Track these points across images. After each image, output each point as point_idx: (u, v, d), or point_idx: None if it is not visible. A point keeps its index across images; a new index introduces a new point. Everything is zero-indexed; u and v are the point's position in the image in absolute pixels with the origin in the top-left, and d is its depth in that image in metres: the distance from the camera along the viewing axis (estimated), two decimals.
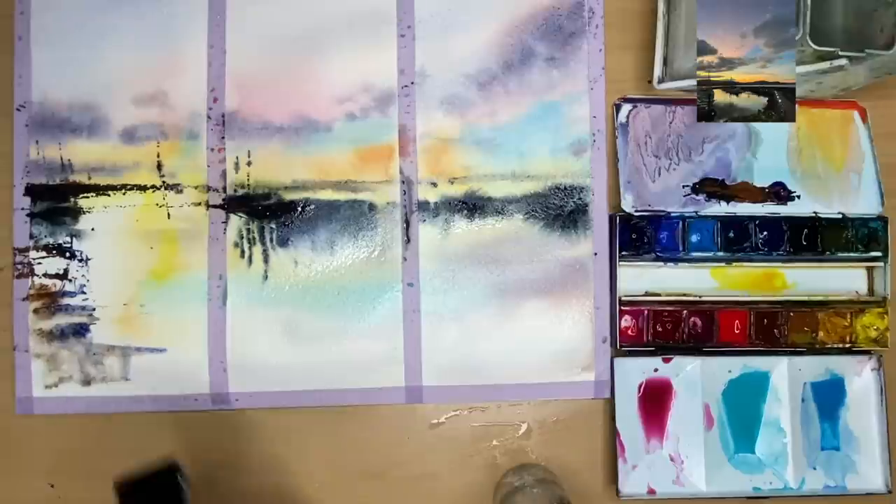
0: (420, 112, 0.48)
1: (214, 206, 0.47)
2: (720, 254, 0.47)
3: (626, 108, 0.48)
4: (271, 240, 0.47)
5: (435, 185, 0.48)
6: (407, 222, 0.47)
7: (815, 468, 0.47)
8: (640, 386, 0.47)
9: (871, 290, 0.48)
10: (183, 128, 0.47)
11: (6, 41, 0.47)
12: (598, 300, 0.47)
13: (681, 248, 0.47)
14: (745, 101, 0.43)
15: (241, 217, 0.47)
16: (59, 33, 0.47)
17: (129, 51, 0.47)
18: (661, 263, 0.47)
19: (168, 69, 0.47)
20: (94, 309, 0.47)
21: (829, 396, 0.47)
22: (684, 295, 0.47)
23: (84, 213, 0.47)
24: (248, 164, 0.47)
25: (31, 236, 0.47)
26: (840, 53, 0.42)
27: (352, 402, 0.47)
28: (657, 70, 0.46)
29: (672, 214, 0.47)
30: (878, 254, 0.47)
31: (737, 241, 0.47)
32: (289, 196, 0.47)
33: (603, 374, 0.47)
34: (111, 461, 0.46)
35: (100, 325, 0.46)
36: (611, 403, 0.47)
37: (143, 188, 0.47)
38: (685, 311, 0.47)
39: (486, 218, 0.48)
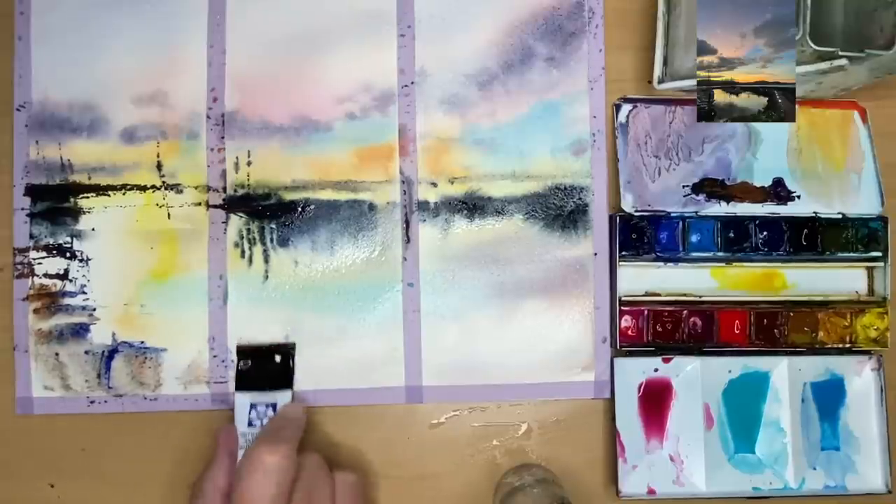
0: (420, 112, 0.48)
1: (214, 206, 0.47)
2: (720, 254, 0.47)
3: (626, 108, 0.48)
4: (272, 240, 0.47)
5: (435, 184, 0.48)
6: (407, 222, 0.47)
7: (815, 468, 0.47)
8: (640, 386, 0.47)
9: (871, 291, 0.48)
10: (183, 128, 0.47)
11: (6, 41, 0.47)
12: (598, 300, 0.47)
13: (681, 248, 0.47)
14: (745, 101, 0.43)
15: (241, 217, 0.47)
16: (59, 33, 0.47)
17: (129, 51, 0.47)
18: (661, 263, 0.47)
19: (168, 69, 0.47)
20: (94, 309, 0.47)
21: (829, 396, 0.47)
22: (684, 295, 0.47)
23: (84, 213, 0.47)
24: (248, 164, 0.47)
25: (32, 236, 0.47)
26: (840, 53, 0.42)
27: (352, 402, 0.47)
28: (657, 70, 0.46)
29: (672, 214, 0.47)
30: (878, 254, 0.47)
31: (737, 241, 0.47)
32: (289, 196, 0.47)
33: (603, 374, 0.47)
34: (111, 461, 0.46)
35: (100, 325, 0.46)
36: (611, 403, 0.47)
37: (143, 188, 0.47)
38: (685, 311, 0.47)
39: (486, 218, 0.48)
